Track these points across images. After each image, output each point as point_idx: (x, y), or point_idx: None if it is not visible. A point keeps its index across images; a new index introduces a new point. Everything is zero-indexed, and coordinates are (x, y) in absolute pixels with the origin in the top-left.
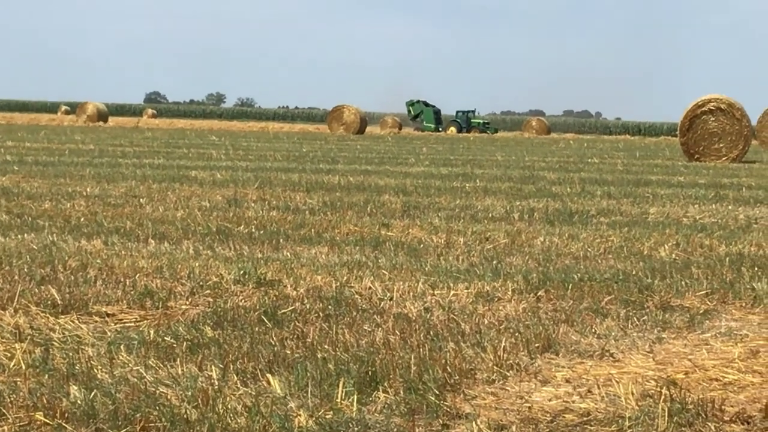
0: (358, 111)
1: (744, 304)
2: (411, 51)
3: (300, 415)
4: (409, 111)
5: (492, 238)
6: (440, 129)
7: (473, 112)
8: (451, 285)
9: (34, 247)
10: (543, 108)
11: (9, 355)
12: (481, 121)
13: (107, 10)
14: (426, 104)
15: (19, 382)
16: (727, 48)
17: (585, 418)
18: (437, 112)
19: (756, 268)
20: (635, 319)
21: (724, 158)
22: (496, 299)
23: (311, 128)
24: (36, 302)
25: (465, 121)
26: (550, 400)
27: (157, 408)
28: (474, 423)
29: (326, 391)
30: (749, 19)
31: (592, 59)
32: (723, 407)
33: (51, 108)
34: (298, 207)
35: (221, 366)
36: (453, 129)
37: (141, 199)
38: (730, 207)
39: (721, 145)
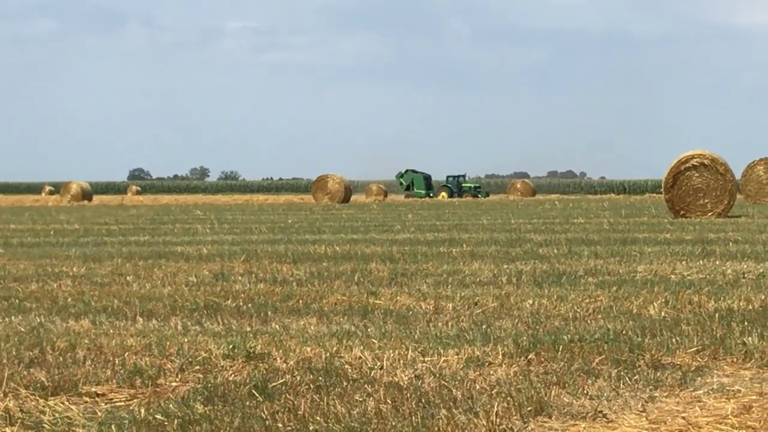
0: (343, 180)
1: (735, 360)
2: (393, 118)
3: None
4: (401, 183)
5: (480, 303)
6: (431, 195)
7: (463, 176)
8: (442, 351)
9: (22, 329)
10: (527, 170)
11: None
12: (473, 185)
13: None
14: (414, 171)
15: None
16: (710, 104)
17: None
18: (428, 178)
19: (746, 323)
20: (627, 378)
21: (709, 213)
22: (486, 364)
23: (296, 199)
24: (25, 385)
25: (456, 186)
26: None
27: None
28: None
29: None
30: (730, 75)
31: (575, 119)
32: None
33: (35, 188)
34: (286, 278)
35: None
36: (444, 194)
37: (128, 277)
38: (717, 262)
39: (706, 200)
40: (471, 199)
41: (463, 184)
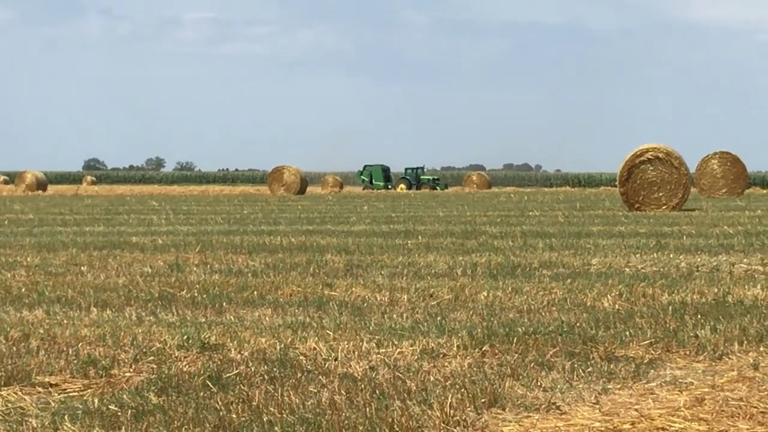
0: (299, 171)
1: (688, 352)
2: (351, 110)
3: None
4: (363, 180)
5: (436, 295)
6: (390, 186)
7: (422, 168)
8: (396, 343)
9: None
10: (483, 162)
11: None
12: (431, 177)
13: (44, 78)
14: (371, 166)
15: None
16: (665, 98)
17: None
18: (386, 170)
19: (699, 316)
20: (580, 370)
21: (664, 207)
22: (441, 355)
23: (252, 190)
24: None
25: (414, 178)
26: None
27: None
28: None
29: None
30: (686, 70)
31: (531, 113)
32: None
33: None
34: (241, 270)
35: None
36: (403, 186)
37: (82, 267)
38: (671, 255)
39: (660, 194)
40: (429, 191)
41: (421, 176)
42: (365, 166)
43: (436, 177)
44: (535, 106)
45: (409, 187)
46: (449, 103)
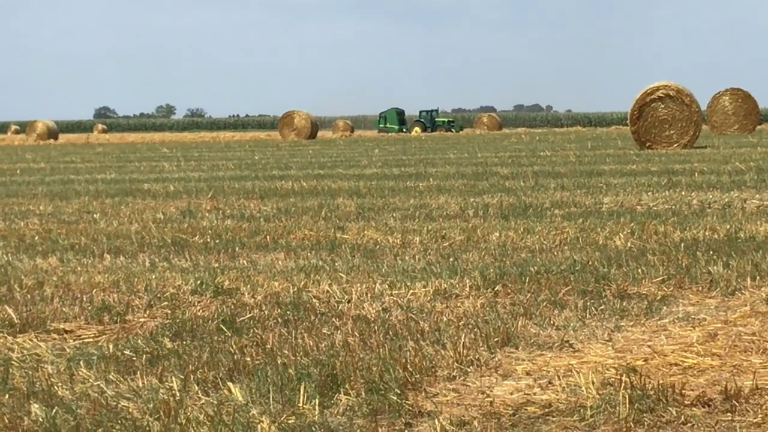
0: (309, 116)
1: (701, 289)
2: (360, 54)
3: (262, 422)
4: (378, 125)
5: (447, 236)
6: (404, 129)
7: (436, 111)
8: (409, 284)
9: None
10: (494, 104)
11: None
12: (446, 120)
13: (53, 27)
14: (396, 110)
15: None
16: (675, 36)
17: (546, 410)
18: (401, 113)
19: (711, 252)
20: (593, 308)
21: (675, 145)
22: (454, 296)
23: (263, 135)
24: None
25: (429, 121)
26: (511, 394)
27: (119, 422)
28: (436, 420)
29: (288, 397)
30: (696, 6)
31: (540, 53)
32: (683, 392)
33: (0, 128)
34: (253, 215)
35: (182, 377)
36: (418, 129)
37: (95, 215)
38: (683, 193)
39: (671, 131)
40: (444, 134)
41: (436, 119)
42: (381, 113)
43: (451, 119)
44: (544, 47)
45: (424, 130)
46: (460, 47)
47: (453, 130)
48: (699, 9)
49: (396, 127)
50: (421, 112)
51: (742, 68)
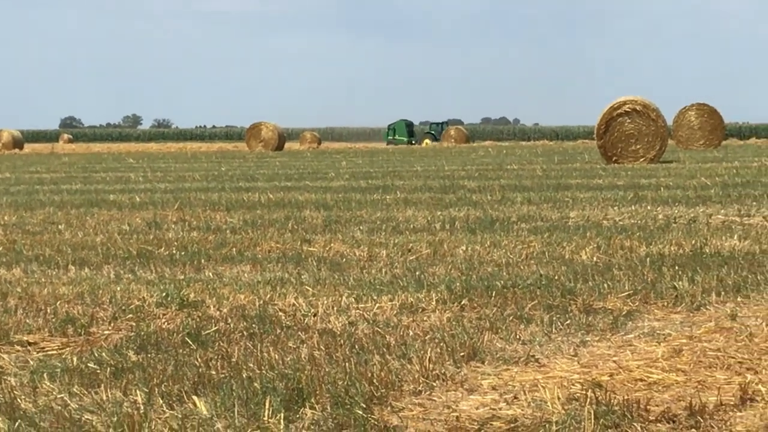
0: (276, 127)
1: (666, 304)
2: (326, 66)
3: None
4: (387, 137)
5: (414, 249)
6: (414, 141)
7: (446, 123)
8: (375, 298)
9: None
10: (461, 117)
11: None
12: None
13: (19, 35)
14: (405, 121)
15: None
16: (642, 50)
17: (512, 425)
18: (410, 125)
19: (677, 267)
20: (559, 323)
21: (641, 159)
22: (420, 310)
23: (230, 147)
24: None
25: (439, 133)
26: (477, 408)
27: None
28: None
29: (253, 410)
30: (661, 22)
31: (508, 66)
32: (648, 407)
33: None
34: (219, 226)
35: (146, 390)
36: (428, 141)
37: (59, 226)
38: (649, 207)
39: (638, 146)
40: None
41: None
42: (389, 124)
43: None
44: (512, 60)
45: (434, 141)
46: (427, 59)
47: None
48: (667, 24)
49: (405, 138)
50: (431, 124)
51: (709, 84)
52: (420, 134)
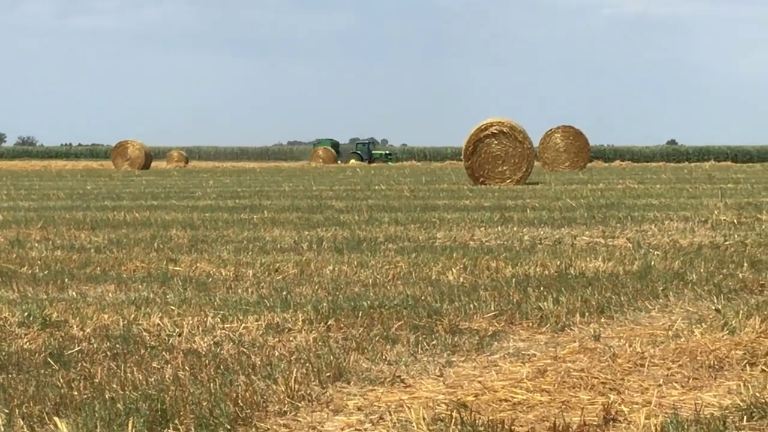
0: (143, 146)
1: (531, 324)
2: (194, 84)
3: None
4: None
5: (281, 269)
6: (339, 161)
7: (372, 142)
8: (241, 318)
9: None
10: (330, 136)
11: None
12: (383, 152)
13: None
14: (331, 140)
15: None
16: (509, 72)
17: None
18: (335, 144)
19: (542, 288)
20: (425, 343)
21: (508, 180)
22: (286, 330)
23: (95, 165)
24: None
25: (366, 153)
26: (342, 429)
27: None
28: None
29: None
30: (529, 46)
31: (377, 87)
32: (513, 428)
33: None
34: (83, 245)
35: (6, 411)
36: (354, 161)
37: None
38: (515, 228)
39: (504, 167)
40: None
41: (373, 151)
42: (315, 141)
43: (388, 152)
44: (381, 80)
45: (361, 161)
46: (295, 78)
47: (390, 161)
48: (534, 47)
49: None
50: (357, 144)
51: (575, 106)
52: (345, 153)
